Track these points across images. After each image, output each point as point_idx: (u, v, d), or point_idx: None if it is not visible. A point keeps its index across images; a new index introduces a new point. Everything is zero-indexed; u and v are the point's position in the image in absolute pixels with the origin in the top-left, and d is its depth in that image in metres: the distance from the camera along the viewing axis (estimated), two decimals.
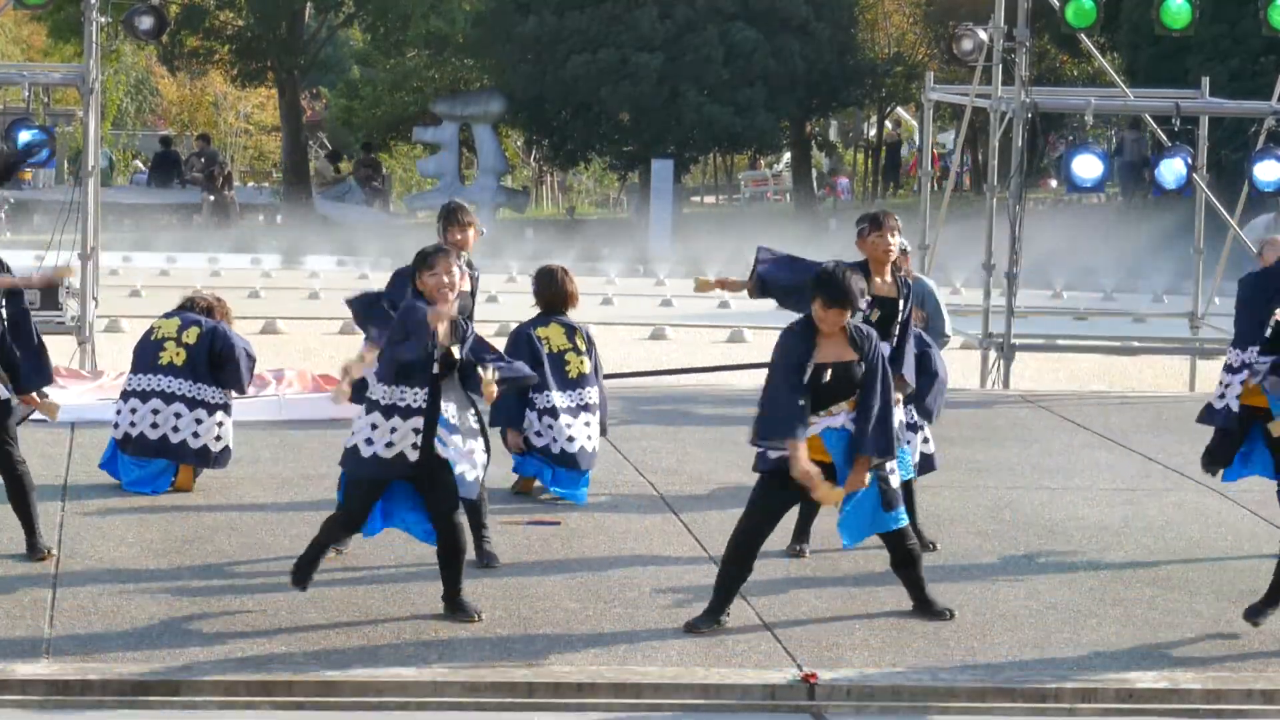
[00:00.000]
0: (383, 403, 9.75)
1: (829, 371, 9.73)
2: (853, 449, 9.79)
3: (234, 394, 12.53)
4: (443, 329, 9.70)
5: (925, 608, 10.15)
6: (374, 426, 9.75)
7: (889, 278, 10.94)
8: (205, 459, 12.35)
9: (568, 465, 12.33)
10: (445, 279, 9.74)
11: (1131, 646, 9.83)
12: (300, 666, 9.13)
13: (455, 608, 9.89)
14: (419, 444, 9.73)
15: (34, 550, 10.74)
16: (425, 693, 9.00)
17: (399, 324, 9.69)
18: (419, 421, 9.73)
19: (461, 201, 11.55)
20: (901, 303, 10.90)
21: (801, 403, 9.70)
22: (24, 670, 8.96)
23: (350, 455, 9.85)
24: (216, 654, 9.24)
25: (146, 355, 12.41)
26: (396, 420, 9.73)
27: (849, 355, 9.78)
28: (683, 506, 12.45)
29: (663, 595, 10.43)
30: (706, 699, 9.11)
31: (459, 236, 11.12)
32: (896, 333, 10.84)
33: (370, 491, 9.88)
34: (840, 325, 9.76)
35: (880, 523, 9.97)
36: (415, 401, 9.73)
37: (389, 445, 9.73)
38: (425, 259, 9.83)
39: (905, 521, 10.04)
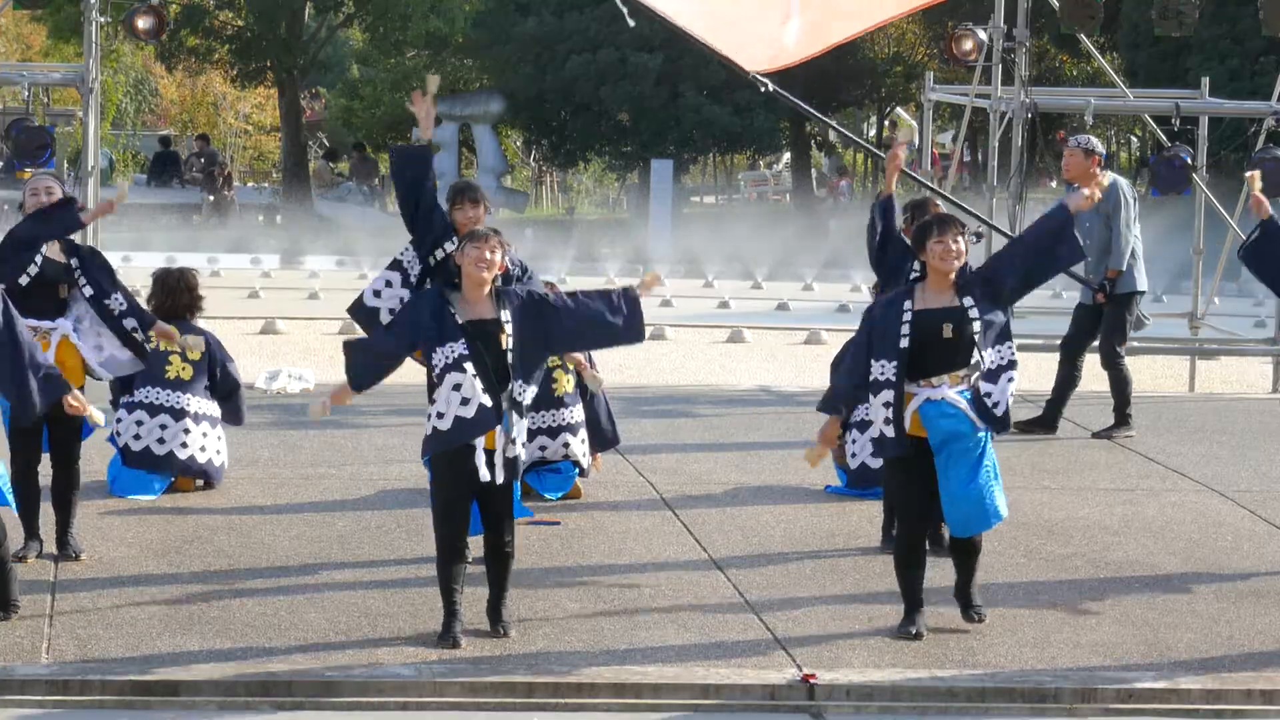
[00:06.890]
0: None
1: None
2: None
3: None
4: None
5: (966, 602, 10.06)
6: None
7: None
8: (211, 473, 12.33)
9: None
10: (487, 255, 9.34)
11: (1131, 646, 9.83)
12: (300, 666, 9.12)
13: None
14: None
15: (64, 548, 10.72)
16: (425, 693, 8.99)
17: None
18: None
19: (471, 180, 11.39)
20: None
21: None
22: (24, 670, 8.95)
23: None
24: (216, 654, 9.23)
25: (150, 366, 12.29)
26: None
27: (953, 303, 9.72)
28: (683, 506, 12.44)
29: (663, 595, 10.42)
30: (706, 699, 9.10)
31: (470, 214, 11.03)
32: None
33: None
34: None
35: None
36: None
37: None
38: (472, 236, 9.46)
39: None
